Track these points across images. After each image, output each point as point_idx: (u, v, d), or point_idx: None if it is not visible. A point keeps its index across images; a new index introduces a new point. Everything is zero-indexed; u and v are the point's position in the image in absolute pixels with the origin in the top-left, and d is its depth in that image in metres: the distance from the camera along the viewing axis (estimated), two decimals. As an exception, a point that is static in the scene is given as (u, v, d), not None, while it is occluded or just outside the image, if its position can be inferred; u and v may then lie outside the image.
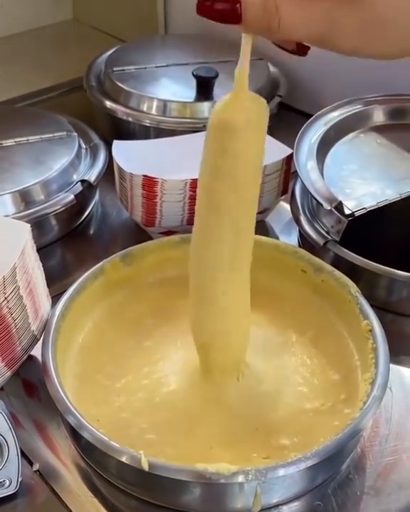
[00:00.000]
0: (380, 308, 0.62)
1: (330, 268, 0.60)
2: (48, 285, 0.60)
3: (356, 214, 0.64)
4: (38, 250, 0.58)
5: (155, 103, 0.84)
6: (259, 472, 0.45)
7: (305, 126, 0.74)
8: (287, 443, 0.51)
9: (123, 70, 0.88)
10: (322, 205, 0.65)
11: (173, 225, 0.71)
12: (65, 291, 0.58)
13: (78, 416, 0.49)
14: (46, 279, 0.60)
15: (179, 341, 0.59)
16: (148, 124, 0.83)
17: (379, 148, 0.74)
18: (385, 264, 0.63)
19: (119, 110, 0.85)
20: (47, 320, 0.57)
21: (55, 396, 0.50)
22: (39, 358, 0.55)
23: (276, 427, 0.52)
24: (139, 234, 0.74)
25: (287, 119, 0.83)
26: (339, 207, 0.64)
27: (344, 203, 0.64)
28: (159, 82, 0.87)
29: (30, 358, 0.58)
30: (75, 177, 0.75)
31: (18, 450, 0.50)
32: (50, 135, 0.78)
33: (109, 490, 0.52)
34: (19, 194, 0.71)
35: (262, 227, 0.76)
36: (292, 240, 0.75)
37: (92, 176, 0.75)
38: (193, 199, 0.68)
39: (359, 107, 0.77)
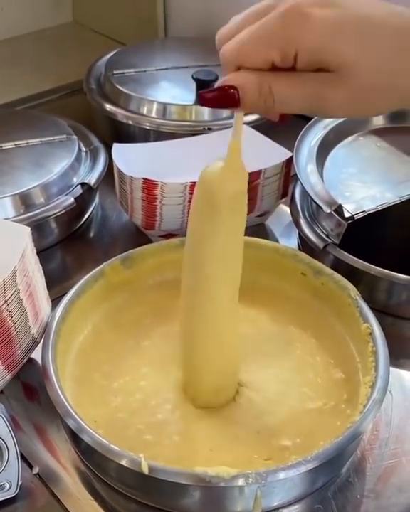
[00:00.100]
0: (380, 312, 0.62)
1: (330, 271, 0.60)
2: (48, 288, 0.60)
3: (356, 217, 0.64)
4: (38, 253, 0.58)
5: (155, 106, 0.84)
6: (259, 475, 0.45)
7: (304, 129, 0.74)
8: (289, 444, 0.51)
9: (123, 73, 0.88)
10: (321, 208, 0.65)
11: (173, 228, 0.71)
12: (65, 294, 0.59)
13: (78, 419, 0.49)
14: (46, 281, 0.60)
15: (178, 343, 0.59)
16: (148, 127, 0.84)
17: (378, 151, 0.74)
18: (385, 267, 0.63)
19: (119, 113, 0.85)
20: (47, 323, 0.57)
21: (55, 399, 0.50)
22: (39, 361, 0.55)
23: (278, 428, 0.52)
24: (138, 237, 0.74)
25: (288, 121, 0.83)
26: (339, 210, 0.64)
27: (344, 206, 0.64)
28: (159, 85, 0.87)
29: (30, 361, 0.58)
30: (75, 180, 0.75)
31: (18, 453, 0.50)
32: (50, 138, 0.78)
33: (109, 493, 0.52)
34: (19, 197, 0.71)
35: (262, 231, 0.76)
36: (291, 243, 0.75)
37: (92, 179, 0.75)
38: (193, 202, 0.68)
39: (358, 110, 0.77)
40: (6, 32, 1.15)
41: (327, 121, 0.75)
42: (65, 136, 0.79)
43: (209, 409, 0.54)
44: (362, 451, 0.54)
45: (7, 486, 0.49)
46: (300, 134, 0.73)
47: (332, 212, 0.65)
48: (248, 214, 0.48)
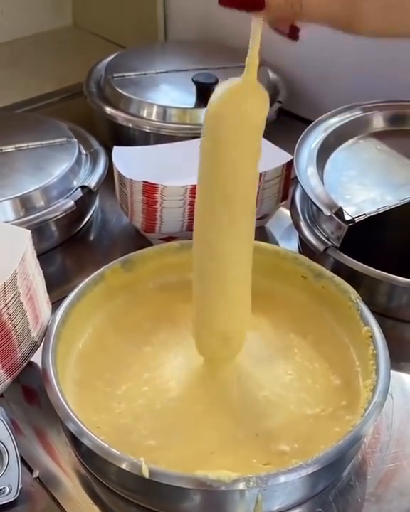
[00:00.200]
0: (380, 315, 0.62)
1: (330, 274, 0.60)
2: (48, 291, 0.60)
3: (357, 220, 0.64)
4: (38, 256, 0.58)
5: (155, 109, 0.84)
6: (260, 479, 0.45)
7: (304, 132, 0.74)
8: (287, 449, 0.51)
9: (123, 76, 0.89)
10: (322, 211, 0.65)
11: (173, 231, 0.71)
12: (65, 297, 0.58)
13: (78, 423, 0.49)
14: (46, 284, 0.60)
15: (179, 347, 0.59)
16: (148, 130, 0.84)
17: (378, 154, 0.74)
18: (385, 270, 0.63)
19: (119, 116, 0.85)
20: (47, 326, 0.57)
21: (56, 403, 0.50)
22: (39, 364, 0.55)
23: (276, 433, 0.52)
24: (139, 240, 0.74)
25: (287, 125, 0.83)
26: (340, 213, 0.64)
27: (344, 209, 0.64)
28: (159, 88, 0.87)
29: (30, 364, 0.58)
30: (75, 183, 0.75)
31: (18, 457, 0.49)
32: (51, 141, 0.78)
33: (109, 497, 0.51)
34: (19, 200, 0.71)
35: (262, 233, 0.76)
36: (292, 245, 0.75)
37: (92, 182, 0.75)
38: (193, 205, 0.68)
39: (358, 113, 0.77)
40: (6, 35, 1.15)
41: (328, 124, 0.75)
42: (65, 139, 0.79)
43: (210, 412, 0.54)
44: (363, 455, 0.54)
45: (7, 489, 0.49)
46: (300, 137, 0.73)
47: (333, 215, 0.65)
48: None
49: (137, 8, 1.10)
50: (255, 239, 0.63)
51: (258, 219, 0.74)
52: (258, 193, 0.70)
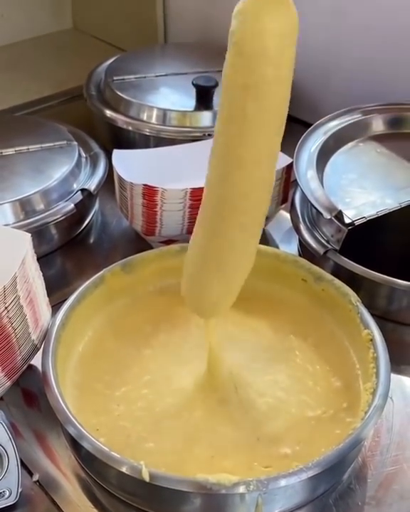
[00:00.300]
0: (380, 318, 0.62)
1: (330, 277, 0.60)
2: (48, 294, 0.60)
3: (356, 223, 0.64)
4: (38, 259, 0.58)
5: (155, 112, 0.84)
6: (260, 482, 0.45)
7: (304, 135, 0.74)
8: (288, 452, 0.51)
9: (123, 79, 0.89)
10: (322, 214, 0.65)
11: (173, 234, 0.71)
12: (65, 300, 0.58)
13: (78, 426, 0.49)
14: (46, 287, 0.60)
15: (179, 349, 0.59)
16: (148, 133, 0.84)
17: (378, 157, 0.74)
18: (385, 273, 0.63)
19: (119, 119, 0.85)
20: (47, 329, 0.57)
21: (56, 406, 0.50)
22: (39, 367, 0.54)
23: (277, 436, 0.52)
24: (139, 243, 0.74)
25: (286, 128, 0.83)
26: (339, 216, 0.64)
27: (344, 212, 0.64)
28: (159, 91, 0.87)
29: (30, 367, 0.58)
30: (75, 186, 0.75)
31: (18, 461, 0.49)
32: (50, 144, 0.78)
33: (109, 500, 0.51)
34: (19, 203, 0.71)
35: (262, 236, 0.76)
36: (292, 248, 0.75)
37: (92, 185, 0.75)
38: (193, 208, 0.68)
39: (358, 116, 0.77)
40: (6, 38, 1.15)
41: (327, 127, 0.75)
42: (65, 142, 0.79)
43: (210, 415, 0.54)
44: (363, 458, 0.54)
45: (7, 493, 0.49)
46: (300, 140, 0.73)
47: (332, 218, 0.65)
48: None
49: (137, 11, 1.10)
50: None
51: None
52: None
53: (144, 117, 0.84)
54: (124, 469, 0.46)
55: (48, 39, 1.19)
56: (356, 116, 0.77)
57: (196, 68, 0.90)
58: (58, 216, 0.72)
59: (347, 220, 0.64)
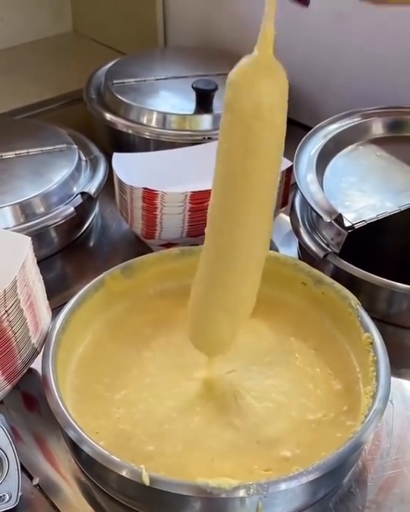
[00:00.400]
0: (380, 321, 0.62)
1: (330, 280, 0.61)
2: (48, 297, 0.60)
3: (356, 226, 0.64)
4: (38, 262, 0.58)
5: (155, 115, 0.84)
6: (260, 486, 0.45)
7: (304, 138, 0.74)
8: (288, 455, 0.51)
9: (123, 82, 0.89)
10: (321, 217, 0.65)
11: (173, 237, 0.71)
12: (65, 303, 0.59)
13: (78, 430, 0.49)
14: (46, 291, 0.60)
15: (180, 352, 0.59)
16: (148, 137, 0.84)
17: (378, 160, 0.75)
18: (385, 276, 0.63)
19: (119, 122, 0.85)
20: (47, 333, 0.57)
21: (56, 409, 0.50)
22: (39, 371, 0.54)
23: (277, 439, 0.52)
24: (139, 246, 0.74)
25: (286, 131, 0.83)
26: (339, 219, 0.64)
27: (344, 215, 0.65)
28: (159, 94, 0.87)
29: (31, 371, 0.58)
30: (75, 189, 0.75)
31: (18, 464, 0.49)
32: (51, 147, 0.78)
33: (109, 504, 0.51)
34: (19, 206, 0.71)
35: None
36: (292, 251, 0.75)
37: (92, 189, 0.76)
38: (192, 211, 0.68)
39: (358, 119, 0.77)
40: (7, 41, 1.15)
41: (327, 130, 0.75)
42: (65, 145, 0.79)
43: (210, 418, 0.54)
44: (363, 462, 0.54)
45: (7, 497, 0.49)
46: (300, 143, 0.73)
47: (332, 221, 0.65)
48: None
49: (137, 15, 1.10)
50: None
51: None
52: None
53: (144, 121, 0.84)
54: (124, 473, 0.46)
55: (48, 42, 1.19)
56: (356, 120, 0.77)
57: (196, 71, 0.90)
58: (58, 219, 0.72)
59: (347, 224, 0.64)
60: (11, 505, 0.49)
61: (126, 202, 0.70)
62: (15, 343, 0.54)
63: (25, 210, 0.71)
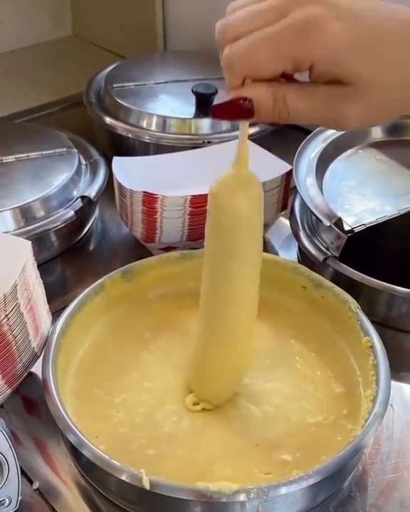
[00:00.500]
0: (380, 324, 0.62)
1: (330, 284, 0.61)
2: (48, 301, 0.60)
3: (356, 230, 0.64)
4: (38, 266, 0.58)
5: (155, 119, 0.84)
6: (261, 490, 0.45)
7: (303, 142, 0.74)
8: (289, 458, 0.51)
9: (123, 86, 0.89)
10: (321, 221, 0.65)
11: (173, 241, 0.71)
12: (65, 307, 0.59)
13: (78, 434, 0.49)
14: (46, 294, 0.60)
15: (179, 355, 0.59)
16: (148, 140, 0.84)
17: (377, 164, 0.75)
18: (385, 280, 0.63)
19: (119, 126, 0.85)
20: (47, 337, 0.57)
21: (56, 414, 0.50)
22: (39, 375, 0.54)
23: (278, 442, 0.52)
24: (138, 250, 0.74)
25: (286, 135, 0.83)
26: (339, 223, 0.65)
27: (344, 219, 0.65)
28: (159, 98, 0.88)
29: (31, 375, 0.58)
30: (75, 193, 0.75)
31: (18, 469, 0.49)
32: (51, 151, 0.78)
33: (109, 508, 0.51)
34: (19, 210, 0.71)
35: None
36: (291, 255, 0.75)
37: (92, 192, 0.76)
38: (193, 215, 0.69)
39: (357, 123, 0.77)
40: (6, 45, 1.15)
41: (327, 134, 0.76)
42: (65, 149, 0.79)
43: (210, 421, 0.54)
44: (364, 466, 0.54)
45: (7, 501, 0.49)
46: (300, 147, 0.73)
47: (332, 225, 0.65)
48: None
49: (137, 19, 1.10)
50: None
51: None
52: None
53: (144, 124, 0.84)
54: (124, 477, 0.46)
55: (48, 46, 1.19)
56: (355, 124, 0.77)
57: (196, 75, 0.90)
58: (58, 223, 0.72)
59: (347, 227, 0.64)
60: (11, 510, 0.49)
61: (126, 206, 0.70)
62: (15, 347, 0.54)
63: (25, 213, 0.71)
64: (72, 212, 0.73)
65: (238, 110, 0.39)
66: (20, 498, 0.49)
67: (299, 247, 0.72)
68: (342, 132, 0.76)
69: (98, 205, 0.80)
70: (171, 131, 0.84)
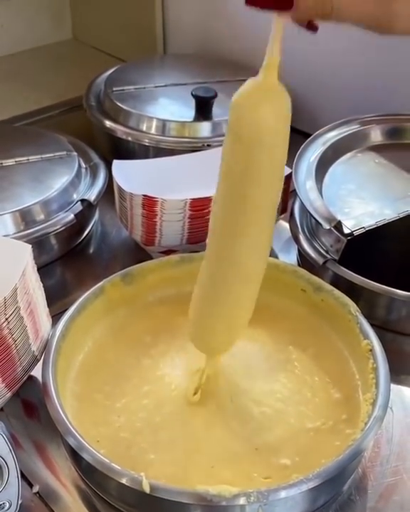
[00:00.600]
0: (380, 328, 0.62)
1: (330, 287, 0.61)
2: (48, 304, 0.60)
3: (355, 233, 0.64)
4: (38, 269, 0.58)
5: (154, 123, 0.84)
6: (261, 494, 0.45)
7: (303, 145, 0.74)
8: (288, 462, 0.51)
9: (123, 89, 0.89)
10: (321, 224, 0.65)
11: (172, 244, 0.71)
12: (65, 310, 0.59)
13: (78, 437, 0.49)
14: (46, 298, 0.60)
15: (179, 359, 0.59)
16: (147, 144, 0.84)
17: (377, 167, 0.75)
18: (384, 283, 0.63)
19: (119, 130, 0.85)
20: (47, 340, 0.57)
21: (56, 417, 0.50)
22: (39, 378, 0.54)
23: (277, 447, 0.52)
24: (138, 253, 0.74)
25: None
26: (338, 226, 0.65)
27: (343, 222, 0.65)
28: (158, 101, 0.88)
29: (31, 378, 0.58)
30: (75, 196, 0.75)
31: (18, 472, 0.49)
32: (50, 155, 0.78)
33: (109, 512, 0.51)
34: (19, 214, 0.71)
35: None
36: (291, 258, 0.75)
37: (92, 196, 0.76)
38: (192, 219, 0.69)
39: (356, 126, 0.78)
40: (7, 48, 1.15)
41: (326, 137, 0.76)
42: (65, 152, 0.79)
43: (210, 425, 0.54)
44: (363, 469, 0.54)
45: (7, 505, 0.48)
46: (299, 150, 0.73)
47: (332, 228, 0.65)
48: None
49: (136, 22, 1.10)
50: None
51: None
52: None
53: (144, 128, 0.85)
54: (124, 481, 0.46)
55: (48, 50, 1.20)
56: (354, 127, 0.78)
57: (195, 79, 0.90)
58: (58, 226, 0.72)
59: (346, 231, 0.64)
60: (11, 513, 0.49)
61: (126, 209, 0.70)
62: (15, 351, 0.54)
63: (25, 217, 0.71)
64: (72, 216, 0.73)
65: None
66: (20, 502, 0.49)
67: (298, 250, 0.72)
68: (342, 136, 0.76)
69: (98, 208, 0.81)
70: (170, 135, 0.84)
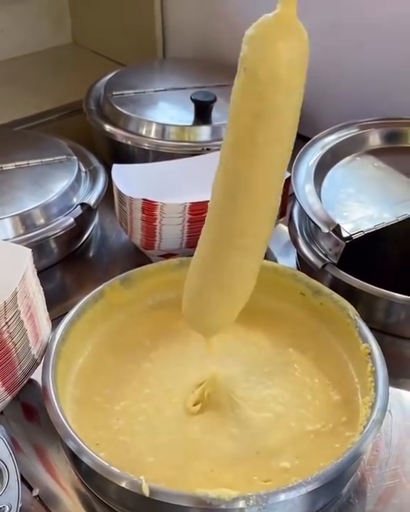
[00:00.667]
0: (379, 331, 0.62)
1: (329, 291, 0.61)
2: (48, 308, 0.60)
3: (354, 237, 0.64)
4: (38, 273, 0.58)
5: (154, 127, 0.84)
6: (260, 497, 0.45)
7: (302, 149, 0.74)
8: (288, 466, 0.51)
9: (122, 94, 0.89)
10: (320, 228, 0.65)
11: (172, 248, 0.71)
12: (65, 314, 0.59)
13: (78, 441, 0.49)
14: (46, 301, 0.60)
15: (179, 363, 0.59)
16: (147, 148, 0.84)
17: (375, 171, 0.75)
18: (383, 287, 0.64)
19: (119, 134, 0.86)
20: (47, 344, 0.58)
21: (56, 420, 0.50)
22: (39, 381, 0.55)
23: (276, 450, 0.52)
24: (138, 257, 0.74)
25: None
26: (337, 230, 0.65)
27: (342, 226, 0.65)
28: (158, 106, 0.88)
29: (31, 381, 0.59)
30: (75, 200, 0.76)
31: (18, 476, 0.49)
32: (50, 159, 0.79)
33: (109, 515, 0.51)
34: (19, 218, 0.71)
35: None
36: (290, 262, 0.75)
37: (91, 200, 0.76)
38: (192, 222, 0.69)
39: (355, 130, 0.78)
40: (7, 53, 1.16)
41: (325, 141, 0.76)
42: (64, 156, 0.79)
43: (209, 429, 0.54)
44: (362, 472, 0.54)
45: (7, 508, 0.48)
46: (298, 154, 0.74)
47: (330, 232, 0.65)
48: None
49: (136, 26, 1.11)
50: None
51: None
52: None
53: (143, 132, 0.85)
54: (124, 484, 0.46)
55: (48, 54, 1.20)
56: (353, 131, 0.78)
57: (195, 83, 0.91)
58: (58, 230, 0.72)
59: (345, 234, 0.64)
60: (11, 517, 0.49)
61: (125, 213, 0.70)
62: (15, 354, 0.54)
63: (25, 221, 0.71)
64: (72, 220, 0.73)
65: None
66: (20, 505, 0.49)
67: (297, 254, 0.72)
68: (340, 140, 0.77)
69: (98, 212, 0.81)
70: (170, 139, 0.84)
